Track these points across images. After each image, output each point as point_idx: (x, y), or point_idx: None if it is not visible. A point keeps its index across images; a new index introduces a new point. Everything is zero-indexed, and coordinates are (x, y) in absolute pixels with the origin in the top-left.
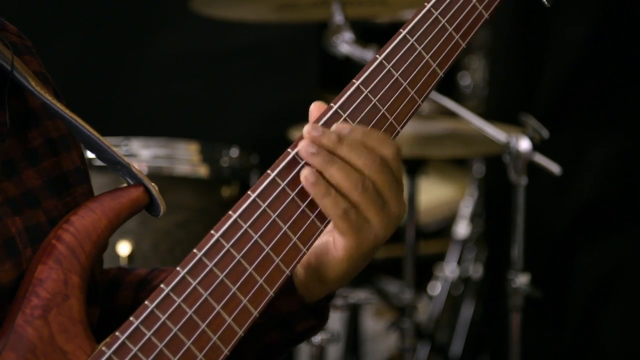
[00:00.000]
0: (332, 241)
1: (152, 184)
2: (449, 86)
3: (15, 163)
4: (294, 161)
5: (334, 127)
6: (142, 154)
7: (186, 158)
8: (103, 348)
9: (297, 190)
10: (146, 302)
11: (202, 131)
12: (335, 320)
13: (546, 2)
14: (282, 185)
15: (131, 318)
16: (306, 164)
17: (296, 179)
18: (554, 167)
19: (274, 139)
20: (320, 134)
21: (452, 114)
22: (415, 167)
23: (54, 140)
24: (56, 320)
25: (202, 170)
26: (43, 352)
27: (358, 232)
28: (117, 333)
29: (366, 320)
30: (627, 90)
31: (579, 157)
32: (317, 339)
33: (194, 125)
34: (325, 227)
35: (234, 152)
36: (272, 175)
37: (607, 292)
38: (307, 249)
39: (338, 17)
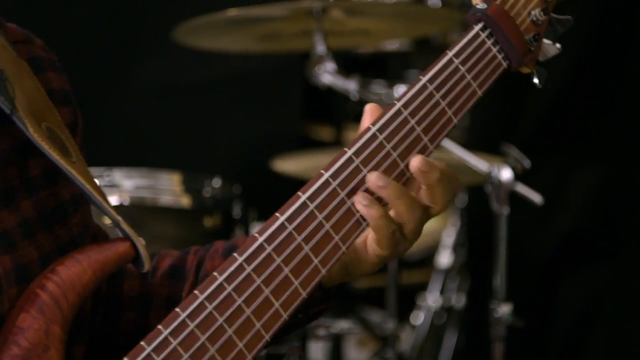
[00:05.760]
0: (364, 246)
1: (140, 238)
2: None
3: (14, 191)
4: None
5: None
6: (124, 184)
7: (169, 188)
8: None
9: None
10: (125, 359)
11: (185, 161)
12: (318, 350)
13: (538, 83)
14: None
15: None
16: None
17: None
18: (536, 197)
19: (257, 169)
20: (384, 184)
21: None
22: None
23: (52, 170)
24: None
25: (185, 201)
26: None
27: (396, 246)
28: None
29: (349, 350)
30: (608, 119)
31: (561, 187)
32: None
33: (176, 156)
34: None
35: (217, 182)
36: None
37: (589, 322)
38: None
39: (320, 48)
